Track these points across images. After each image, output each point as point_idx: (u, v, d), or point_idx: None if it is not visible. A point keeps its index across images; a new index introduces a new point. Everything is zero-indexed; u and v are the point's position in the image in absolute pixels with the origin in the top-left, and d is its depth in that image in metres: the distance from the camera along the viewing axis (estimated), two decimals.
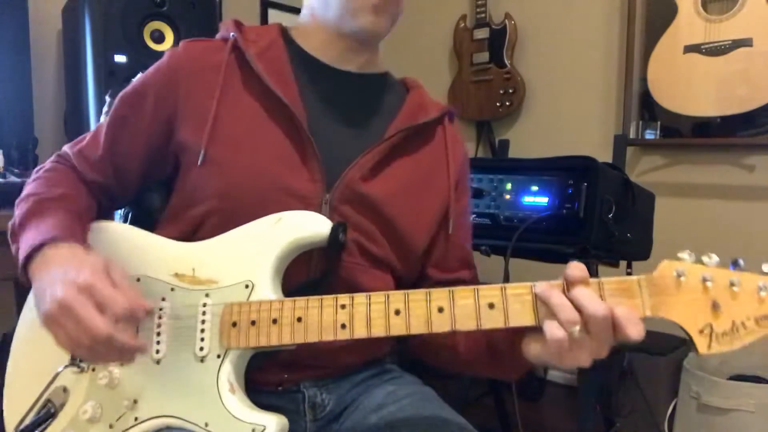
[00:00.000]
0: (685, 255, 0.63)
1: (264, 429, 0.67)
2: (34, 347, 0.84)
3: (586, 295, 0.61)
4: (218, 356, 0.71)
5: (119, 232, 0.84)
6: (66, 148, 0.89)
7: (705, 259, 0.62)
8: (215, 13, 1.86)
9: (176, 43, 1.72)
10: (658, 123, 2.15)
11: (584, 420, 1.54)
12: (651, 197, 1.58)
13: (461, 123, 2.72)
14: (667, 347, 2.06)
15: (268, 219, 0.75)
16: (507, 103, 2.49)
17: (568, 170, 1.38)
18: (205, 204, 0.79)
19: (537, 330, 0.65)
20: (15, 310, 1.53)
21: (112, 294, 0.63)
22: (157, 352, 0.74)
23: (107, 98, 1.31)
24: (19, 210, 0.79)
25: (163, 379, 0.73)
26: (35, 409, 0.77)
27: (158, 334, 0.74)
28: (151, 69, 0.86)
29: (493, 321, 0.64)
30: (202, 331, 0.72)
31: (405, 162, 0.86)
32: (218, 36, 0.88)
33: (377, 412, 0.81)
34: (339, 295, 0.69)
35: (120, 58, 1.65)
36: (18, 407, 0.79)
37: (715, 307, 0.60)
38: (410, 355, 0.92)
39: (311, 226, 0.74)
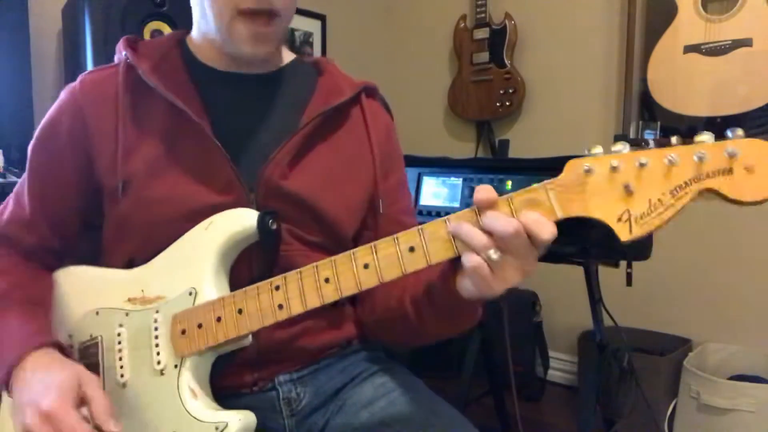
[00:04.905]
0: (596, 149, 0.60)
1: (226, 425, 0.69)
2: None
3: (491, 216, 0.61)
4: (175, 366, 0.73)
5: (70, 275, 0.85)
6: None
7: (616, 147, 0.60)
8: None
9: None
10: (658, 123, 2.15)
11: (584, 420, 1.54)
12: None
13: (461, 122, 2.72)
14: (667, 347, 2.06)
15: (200, 225, 0.77)
16: (507, 103, 2.49)
17: None
18: (133, 239, 0.80)
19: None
20: None
21: (72, 427, 0.64)
22: (122, 376, 0.76)
23: None
24: None
25: (130, 400, 0.76)
26: None
27: (120, 359, 0.77)
28: (53, 112, 0.84)
29: (415, 263, 0.65)
30: (157, 345, 0.74)
31: (324, 149, 0.85)
32: (115, 59, 0.86)
33: (368, 408, 0.81)
34: (274, 278, 0.71)
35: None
36: None
37: (627, 190, 0.58)
38: (373, 338, 0.92)
39: (239, 221, 0.75)
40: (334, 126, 0.86)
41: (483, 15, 2.52)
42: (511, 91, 2.48)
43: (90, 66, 1.64)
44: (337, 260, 0.68)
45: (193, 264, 0.75)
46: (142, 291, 0.78)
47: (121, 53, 0.83)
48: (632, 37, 2.18)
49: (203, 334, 0.72)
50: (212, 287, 0.74)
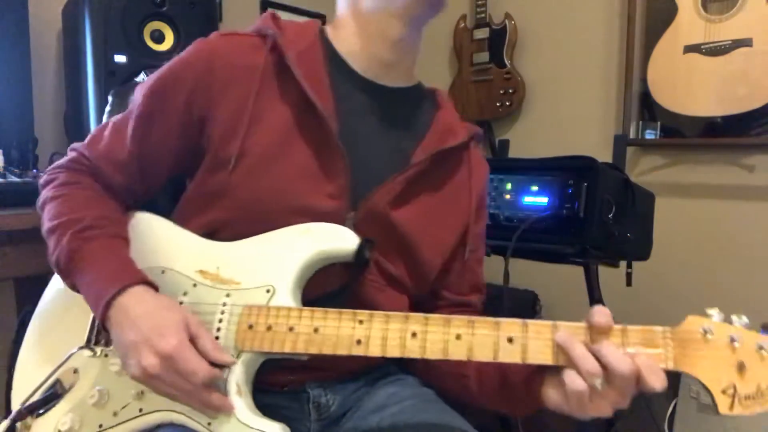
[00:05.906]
0: (713, 312, 0.62)
1: None
2: (52, 326, 0.83)
3: (611, 350, 0.60)
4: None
5: (146, 223, 0.82)
6: (81, 148, 0.84)
7: (734, 318, 0.62)
8: (215, 13, 1.86)
9: (176, 43, 1.72)
10: (658, 123, 2.15)
11: (584, 420, 1.54)
12: (651, 197, 1.58)
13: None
14: None
15: (296, 228, 0.74)
16: (507, 103, 2.49)
17: (568, 170, 1.38)
18: (226, 211, 0.77)
19: (556, 374, 0.64)
20: (15, 309, 1.53)
21: (192, 367, 0.64)
22: None
23: (110, 98, 1.30)
24: (57, 241, 0.75)
25: None
26: (43, 388, 0.77)
27: None
28: (180, 60, 0.80)
29: (510, 355, 0.63)
30: (218, 329, 0.72)
31: (429, 186, 0.84)
32: (253, 29, 0.82)
33: (378, 413, 0.81)
34: (358, 311, 0.68)
35: (120, 58, 1.64)
36: (28, 384, 0.78)
37: (740, 368, 0.59)
38: (418, 376, 0.91)
39: (339, 239, 0.73)
40: (442, 166, 0.86)
41: (483, 15, 2.52)
42: (511, 91, 2.48)
43: (90, 66, 1.64)
44: (430, 319, 0.66)
45: (279, 263, 0.73)
46: (218, 268, 0.75)
47: (266, 28, 0.80)
48: (632, 37, 2.17)
49: (270, 337, 0.69)
50: (289, 292, 0.72)
